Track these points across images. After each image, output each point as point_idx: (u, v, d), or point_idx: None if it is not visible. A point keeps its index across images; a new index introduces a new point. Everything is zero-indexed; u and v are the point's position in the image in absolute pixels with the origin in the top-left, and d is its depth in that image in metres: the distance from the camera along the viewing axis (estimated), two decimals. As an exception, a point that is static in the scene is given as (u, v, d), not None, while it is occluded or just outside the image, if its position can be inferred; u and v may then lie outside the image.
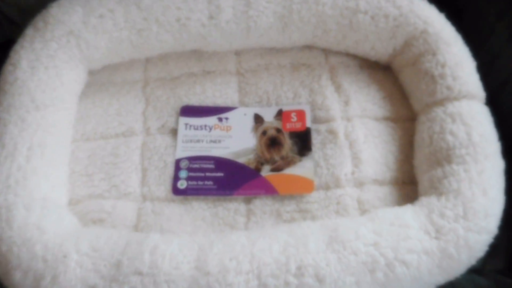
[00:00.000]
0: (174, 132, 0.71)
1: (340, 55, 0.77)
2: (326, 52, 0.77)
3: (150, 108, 0.73)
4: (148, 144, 0.70)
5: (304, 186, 0.64)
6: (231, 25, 0.69)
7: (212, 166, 0.66)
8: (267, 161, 0.67)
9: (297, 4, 0.68)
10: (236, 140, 0.68)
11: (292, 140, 0.69)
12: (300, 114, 0.71)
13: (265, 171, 0.65)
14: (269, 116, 0.71)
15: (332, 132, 0.69)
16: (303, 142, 0.69)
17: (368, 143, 0.68)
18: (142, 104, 0.74)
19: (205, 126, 0.69)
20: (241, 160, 0.67)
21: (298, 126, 0.70)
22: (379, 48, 0.71)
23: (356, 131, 0.68)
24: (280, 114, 0.71)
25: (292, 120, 0.71)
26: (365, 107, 0.71)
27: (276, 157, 0.68)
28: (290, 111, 0.71)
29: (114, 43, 0.69)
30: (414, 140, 0.66)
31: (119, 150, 0.69)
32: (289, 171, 0.66)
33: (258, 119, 0.70)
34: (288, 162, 0.67)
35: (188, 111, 0.70)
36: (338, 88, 0.73)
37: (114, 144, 0.69)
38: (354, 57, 0.77)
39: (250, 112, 0.71)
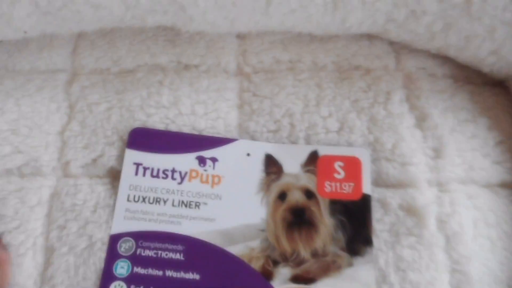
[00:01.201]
0: (114, 175, 0.38)
1: (420, 56, 0.44)
2: (397, 48, 0.44)
3: (74, 125, 0.40)
4: (61, 197, 0.37)
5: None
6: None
7: (179, 256, 0.36)
8: (285, 258, 0.36)
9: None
10: (229, 205, 0.37)
11: (335, 218, 0.37)
12: (352, 166, 0.37)
13: (281, 279, 0.35)
14: (292, 161, 0.38)
15: (412, 212, 0.37)
16: (356, 225, 0.36)
17: (480, 239, 0.36)
18: (62, 114, 0.40)
19: (173, 172, 0.37)
20: (236, 249, 0.36)
21: (347, 191, 0.37)
22: (508, 52, 0.38)
23: (457, 213, 0.36)
24: (313, 160, 0.38)
25: (337, 176, 0.38)
26: (470, 162, 0.39)
27: (304, 252, 0.36)
28: (334, 158, 0.38)
29: (1, 2, 0.35)
30: None
31: (7, 206, 0.36)
32: (328, 284, 0.34)
33: (272, 165, 0.38)
34: (327, 266, 0.35)
35: (143, 139, 0.39)
36: (421, 119, 0.40)
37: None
38: (444, 60, 0.44)
39: (258, 149, 0.39)
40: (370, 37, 0.44)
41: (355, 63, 0.43)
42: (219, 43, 0.43)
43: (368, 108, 0.40)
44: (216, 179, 0.37)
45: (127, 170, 0.37)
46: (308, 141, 0.39)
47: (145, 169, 0.37)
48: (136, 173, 0.37)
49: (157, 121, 0.40)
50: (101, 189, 0.38)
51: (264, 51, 0.43)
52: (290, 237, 0.36)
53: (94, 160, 0.39)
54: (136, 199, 0.37)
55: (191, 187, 0.37)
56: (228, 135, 0.40)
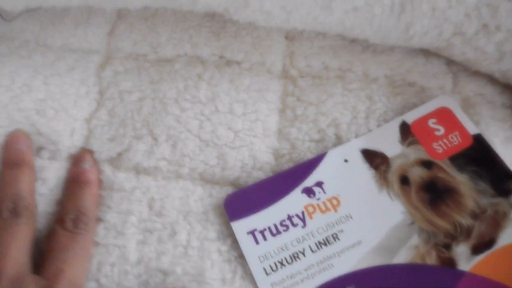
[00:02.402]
0: (138, 171, 0.35)
1: (479, 81, 0.39)
2: (454, 70, 0.40)
3: (102, 113, 0.37)
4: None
5: None
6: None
7: None
8: (452, 236, 0.32)
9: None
10: (364, 219, 0.33)
11: (466, 172, 0.34)
12: (445, 117, 0.35)
13: (464, 259, 0.31)
14: (389, 143, 0.35)
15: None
16: (488, 166, 0.33)
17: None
18: (91, 100, 0.37)
19: (290, 219, 0.33)
20: (402, 257, 0.31)
21: (457, 141, 0.34)
22: None
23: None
24: (407, 131, 0.35)
25: (438, 133, 0.35)
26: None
27: (464, 220, 0.32)
28: (424, 119, 0.36)
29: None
30: None
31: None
32: (511, 236, 0.31)
33: (374, 158, 0.35)
34: (494, 220, 0.31)
35: (241, 203, 0.34)
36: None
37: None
38: (503, 88, 0.40)
39: (350, 152, 0.35)
40: (426, 54, 0.40)
41: (410, 80, 0.39)
42: (266, 41, 0.39)
43: (421, 128, 0.37)
44: (334, 201, 0.33)
45: (246, 243, 0.32)
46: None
47: (262, 232, 0.32)
48: (257, 242, 0.32)
49: (191, 117, 0.36)
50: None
51: (313, 55, 0.39)
52: (442, 213, 0.32)
53: (119, 154, 0.35)
54: (274, 268, 0.31)
55: (317, 223, 0.32)
56: (266, 140, 0.36)
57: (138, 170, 0.35)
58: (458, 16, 0.33)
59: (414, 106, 0.37)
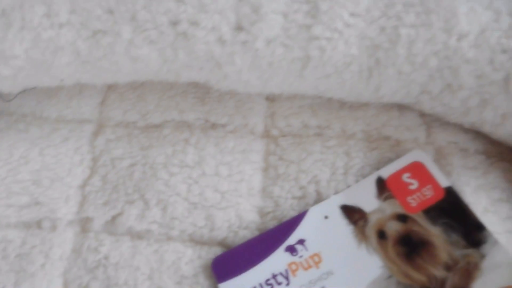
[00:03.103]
0: (132, 235, 0.36)
1: (452, 129, 0.42)
2: (428, 120, 0.42)
3: (96, 180, 0.39)
4: (82, 253, 0.35)
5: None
6: (275, 49, 0.35)
7: None
8: None
9: (409, 28, 0.34)
10: (345, 274, 0.34)
11: (439, 224, 0.35)
12: (418, 171, 0.37)
13: None
14: (366, 198, 0.37)
15: None
16: (460, 218, 0.35)
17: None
18: (85, 168, 0.39)
19: (275, 277, 0.34)
20: None
21: (429, 194, 0.36)
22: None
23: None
24: (383, 186, 0.37)
25: (412, 187, 0.36)
26: (506, 244, 0.35)
27: (437, 271, 0.33)
28: (398, 174, 0.37)
29: (44, 50, 0.35)
30: None
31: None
32: (481, 285, 0.33)
33: (352, 213, 0.36)
34: (466, 271, 0.33)
35: (228, 265, 0.35)
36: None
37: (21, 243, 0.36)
38: (476, 135, 0.42)
39: (330, 208, 0.37)
40: (400, 107, 0.42)
41: (385, 134, 0.41)
42: (248, 104, 0.42)
43: (398, 181, 0.38)
44: (316, 258, 0.34)
45: None
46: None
47: None
48: None
49: (179, 181, 0.38)
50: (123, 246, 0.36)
51: (293, 115, 0.41)
52: (417, 266, 0.33)
53: (114, 218, 0.37)
54: None
55: (300, 280, 0.33)
56: (251, 199, 0.38)
57: (132, 235, 0.37)
58: (423, 77, 0.36)
59: (390, 160, 0.39)
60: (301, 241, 0.35)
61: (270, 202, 0.38)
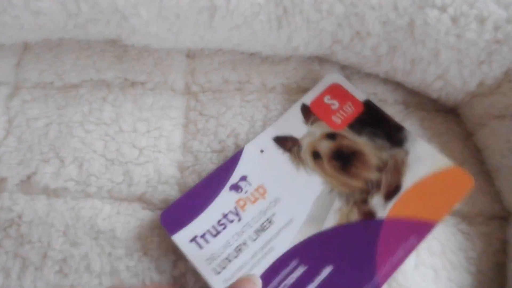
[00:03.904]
0: (48, 193, 0.36)
1: (371, 81, 0.42)
2: (348, 73, 0.42)
3: (10, 141, 0.38)
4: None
5: (457, 184, 0.36)
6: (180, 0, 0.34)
7: (302, 269, 0.33)
8: (366, 191, 0.36)
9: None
10: (291, 199, 0.36)
11: (364, 134, 0.38)
12: (337, 91, 0.39)
13: (381, 207, 0.35)
14: (296, 126, 0.39)
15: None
16: (381, 125, 0.38)
17: (422, 268, 0.34)
18: (0, 130, 0.39)
19: (226, 216, 0.34)
20: (331, 222, 0.34)
21: (351, 110, 0.38)
22: (453, 77, 0.37)
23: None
24: (308, 111, 0.39)
25: (334, 107, 0.38)
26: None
27: (372, 175, 0.36)
28: (320, 97, 0.39)
29: None
30: (508, 261, 0.36)
31: None
32: (411, 178, 0.36)
33: (285, 142, 0.38)
34: (396, 168, 0.36)
35: (176, 215, 0.35)
36: (368, 143, 0.39)
37: None
38: (395, 86, 0.43)
39: (264, 142, 0.38)
40: (320, 61, 0.42)
41: (304, 86, 0.41)
42: (167, 61, 0.41)
43: (315, 131, 0.39)
44: (261, 190, 0.35)
45: (191, 251, 0.33)
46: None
47: (203, 237, 0.33)
48: (200, 247, 0.33)
49: (96, 138, 0.37)
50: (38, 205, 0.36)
51: (214, 71, 0.41)
52: (353, 174, 0.36)
53: (28, 177, 0.37)
54: (224, 266, 0.32)
55: (251, 213, 0.34)
56: (170, 155, 0.38)
57: (48, 193, 0.36)
58: (332, 26, 0.36)
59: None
60: (243, 178, 0.36)
61: (190, 157, 0.38)
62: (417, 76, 0.38)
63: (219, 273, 0.32)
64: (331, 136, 0.37)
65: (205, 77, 0.41)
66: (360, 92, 0.39)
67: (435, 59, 0.36)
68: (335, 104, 0.39)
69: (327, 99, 0.39)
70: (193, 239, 0.33)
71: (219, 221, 0.34)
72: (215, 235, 0.34)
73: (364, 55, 0.38)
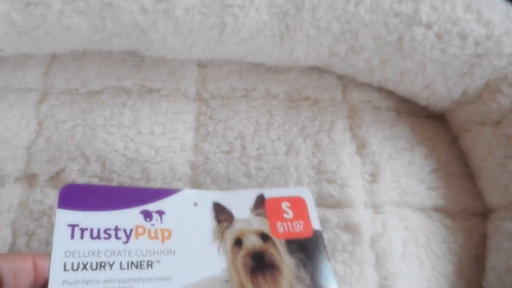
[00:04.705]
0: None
1: (366, 90, 0.46)
2: (345, 82, 0.47)
3: (41, 141, 0.43)
4: (29, 205, 0.39)
5: None
6: (193, 17, 0.39)
7: None
8: None
9: (313, -3, 0.38)
10: (185, 260, 0.32)
11: (294, 257, 0.34)
12: (298, 205, 0.36)
13: None
14: (241, 207, 0.35)
15: (350, 229, 0.39)
16: (315, 261, 0.34)
17: (409, 257, 0.38)
18: (30, 131, 0.43)
19: (117, 230, 0.31)
20: None
21: (298, 229, 0.35)
22: (439, 87, 0.41)
23: (387, 233, 0.38)
24: (261, 203, 0.36)
25: (286, 216, 0.35)
26: (405, 187, 0.41)
27: None
28: (280, 200, 0.36)
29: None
30: (487, 253, 0.39)
31: None
32: None
33: (221, 213, 0.35)
34: None
35: (77, 197, 0.32)
36: (361, 147, 0.42)
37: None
38: (388, 94, 0.47)
39: (204, 198, 0.35)
40: (320, 71, 0.46)
41: (305, 94, 0.45)
42: (180, 70, 0.45)
43: (314, 135, 0.42)
44: (165, 233, 0.32)
45: (61, 233, 0.29)
46: (259, 160, 0.42)
47: (82, 230, 0.30)
48: (72, 236, 0.29)
49: (117, 139, 0.42)
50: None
51: (222, 79, 0.45)
52: (256, 283, 0.32)
53: (57, 174, 0.41)
54: (75, 267, 0.28)
55: (140, 245, 0.30)
56: (183, 155, 0.42)
57: (74, 188, 0.40)
58: (329, 40, 0.40)
59: (307, 118, 0.44)
60: (160, 212, 0.33)
61: (201, 157, 0.42)
62: (407, 86, 0.42)
63: (66, 270, 0.28)
64: (264, 237, 0.34)
65: (215, 85, 0.45)
66: (318, 220, 0.36)
67: (422, 71, 0.40)
68: (289, 214, 0.36)
69: (284, 205, 0.36)
70: (72, 225, 0.30)
71: (107, 229, 0.31)
72: (93, 238, 0.30)
73: (358, 66, 0.42)
